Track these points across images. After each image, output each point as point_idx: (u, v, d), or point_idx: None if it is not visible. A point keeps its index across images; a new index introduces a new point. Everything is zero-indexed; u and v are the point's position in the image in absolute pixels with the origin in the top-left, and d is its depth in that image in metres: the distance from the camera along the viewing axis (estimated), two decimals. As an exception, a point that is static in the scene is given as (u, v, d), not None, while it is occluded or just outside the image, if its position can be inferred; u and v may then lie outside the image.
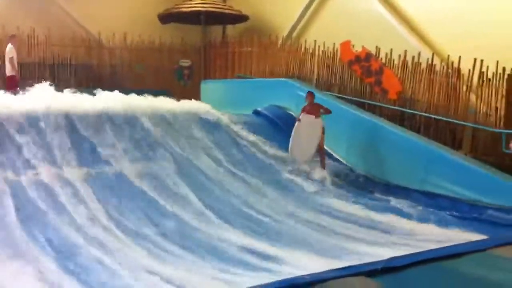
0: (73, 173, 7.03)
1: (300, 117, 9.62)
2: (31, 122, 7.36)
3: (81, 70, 14.98)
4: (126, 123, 8.33)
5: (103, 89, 8.98)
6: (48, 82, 8.38)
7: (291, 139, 9.57)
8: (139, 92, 9.47)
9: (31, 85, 8.26)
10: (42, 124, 7.43)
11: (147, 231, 6.32)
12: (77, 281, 5.04)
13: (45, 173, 6.82)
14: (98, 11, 15.29)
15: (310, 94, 9.71)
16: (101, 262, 5.46)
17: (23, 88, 8.24)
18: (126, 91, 9.34)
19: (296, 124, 9.59)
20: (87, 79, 14.87)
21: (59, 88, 8.62)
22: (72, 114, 7.82)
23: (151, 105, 9.07)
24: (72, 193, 6.65)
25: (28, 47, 14.33)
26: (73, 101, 8.14)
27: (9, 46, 11.95)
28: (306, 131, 9.49)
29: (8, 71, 11.85)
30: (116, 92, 9.00)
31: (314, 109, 9.54)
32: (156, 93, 9.92)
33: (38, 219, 6.06)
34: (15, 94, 8.09)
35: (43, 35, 14.48)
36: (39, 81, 8.54)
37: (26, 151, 7.00)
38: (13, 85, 11.33)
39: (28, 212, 6.13)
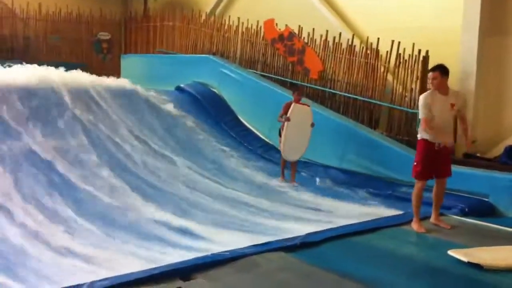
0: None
1: (290, 111, 8.50)
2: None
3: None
4: (41, 97, 7.92)
5: (16, 61, 8.53)
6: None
7: (282, 139, 8.59)
8: (55, 65, 9.06)
9: None
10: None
11: (61, 209, 6.08)
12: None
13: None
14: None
15: (300, 90, 9.18)
16: (12, 240, 5.23)
17: None
18: (41, 63, 8.92)
19: (285, 124, 8.53)
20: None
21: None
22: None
23: (69, 79, 8.69)
24: None
25: None
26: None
27: None
28: (298, 124, 8.57)
29: None
30: (32, 65, 8.58)
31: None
32: (73, 67, 9.52)
33: None
34: None
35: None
36: None
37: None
38: None
39: None
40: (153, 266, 4.37)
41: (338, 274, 4.33)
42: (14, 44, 14.51)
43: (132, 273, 4.08)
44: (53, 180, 6.64)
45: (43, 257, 5.05)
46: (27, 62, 8.86)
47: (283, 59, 11.63)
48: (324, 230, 5.64)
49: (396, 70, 9.66)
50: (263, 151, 9.84)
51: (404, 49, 9.47)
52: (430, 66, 8.89)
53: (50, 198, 6.27)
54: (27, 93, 7.80)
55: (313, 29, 11.06)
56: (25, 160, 6.75)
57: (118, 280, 3.96)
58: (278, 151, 9.37)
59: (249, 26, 12.35)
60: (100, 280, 3.95)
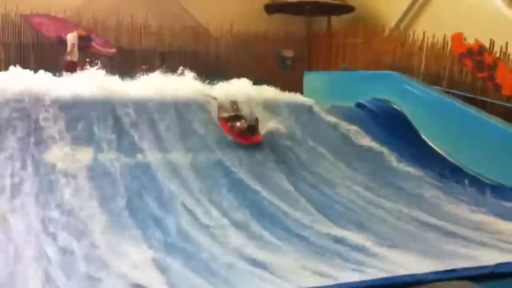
0: (180, 158, 7.26)
1: None
2: (140, 107, 7.67)
3: (189, 58, 15.46)
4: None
5: (209, 75, 9.27)
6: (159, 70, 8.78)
7: None
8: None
9: (144, 71, 8.69)
10: (151, 108, 7.73)
11: (242, 216, 6.44)
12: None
13: (153, 157, 7.08)
14: (207, 3, 15.75)
15: None
16: (201, 244, 5.66)
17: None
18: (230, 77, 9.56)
19: None
20: (195, 66, 15.31)
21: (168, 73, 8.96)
22: (181, 101, 8.07)
23: (262, 95, 9.18)
24: (178, 178, 6.88)
25: (141, 35, 15.08)
26: (186, 87, 8.45)
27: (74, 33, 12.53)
28: None
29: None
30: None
31: None
32: (258, 82, 10.03)
33: (144, 203, 6.32)
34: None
35: (155, 24, 15.15)
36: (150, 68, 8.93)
37: (135, 135, 7.29)
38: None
39: (137, 195, 6.40)
40: (328, 282, 4.39)
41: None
42: (208, 60, 15.72)
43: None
44: (234, 184, 7.08)
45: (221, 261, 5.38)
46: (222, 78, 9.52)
47: (471, 75, 11.00)
48: (518, 261, 5.19)
49: None
50: (447, 172, 9.33)
51: None
52: None
53: (234, 206, 6.67)
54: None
55: (506, 42, 10.33)
56: (216, 170, 7.27)
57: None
58: (460, 170, 8.77)
59: (435, 40, 11.91)
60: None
